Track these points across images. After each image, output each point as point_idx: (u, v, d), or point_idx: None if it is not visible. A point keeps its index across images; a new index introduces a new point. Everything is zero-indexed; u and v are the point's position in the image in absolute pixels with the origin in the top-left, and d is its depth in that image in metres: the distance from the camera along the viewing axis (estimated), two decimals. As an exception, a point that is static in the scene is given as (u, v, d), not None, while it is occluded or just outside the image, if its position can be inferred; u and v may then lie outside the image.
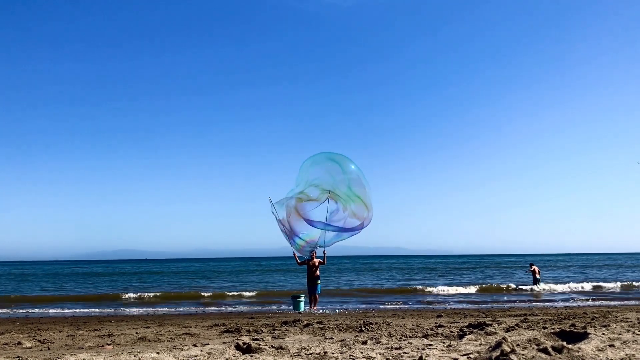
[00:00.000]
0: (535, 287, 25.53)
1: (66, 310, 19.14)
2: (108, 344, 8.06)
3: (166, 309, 18.93)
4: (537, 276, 26.18)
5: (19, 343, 8.46)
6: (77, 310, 18.99)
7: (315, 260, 16.39)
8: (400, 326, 9.25)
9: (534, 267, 26.72)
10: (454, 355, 5.34)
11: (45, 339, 8.96)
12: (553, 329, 7.17)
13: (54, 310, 19.25)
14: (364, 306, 18.63)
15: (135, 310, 18.59)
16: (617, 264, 67.87)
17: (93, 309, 19.40)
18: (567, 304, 18.76)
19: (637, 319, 9.13)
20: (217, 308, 19.22)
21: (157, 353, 5.99)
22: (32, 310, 19.21)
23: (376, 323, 9.72)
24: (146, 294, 25.63)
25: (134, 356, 5.81)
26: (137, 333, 9.66)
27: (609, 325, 7.69)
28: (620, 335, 6.05)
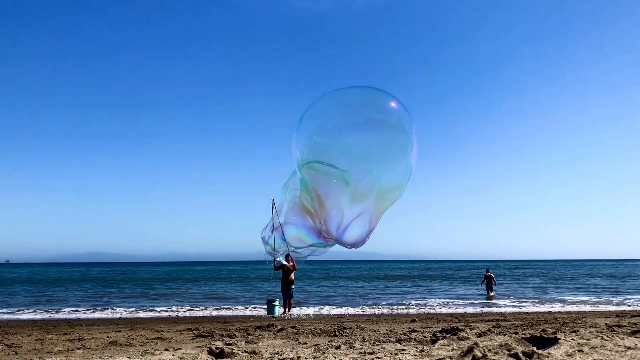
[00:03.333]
0: (490, 293, 26.20)
1: (36, 314, 18.77)
2: (78, 348, 7.93)
3: (140, 313, 18.70)
4: (492, 283, 26.72)
5: (-14, 347, 8.27)
6: (47, 314, 18.64)
7: (290, 264, 16.34)
8: (374, 331, 9.27)
9: (489, 273, 27.17)
10: (427, 360, 5.37)
11: (12, 343, 8.76)
12: (524, 334, 7.27)
13: (26, 315, 18.86)
14: (338, 311, 18.64)
15: (107, 314, 18.32)
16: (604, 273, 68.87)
17: (63, 311, 19.07)
18: (538, 309, 19.03)
19: (606, 324, 9.30)
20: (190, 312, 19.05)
21: (128, 357, 5.91)
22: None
23: (350, 328, 9.73)
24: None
25: (104, 361, 5.73)
26: (108, 337, 9.52)
27: (578, 331, 7.82)
28: (589, 341, 6.16)
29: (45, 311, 19.81)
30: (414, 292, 30.14)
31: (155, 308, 20.91)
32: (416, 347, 6.41)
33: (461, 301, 23.54)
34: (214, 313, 18.39)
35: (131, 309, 20.40)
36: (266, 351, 6.36)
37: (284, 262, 16.02)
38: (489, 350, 5.34)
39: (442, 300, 24.19)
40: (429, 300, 24.20)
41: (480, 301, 23.57)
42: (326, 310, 18.91)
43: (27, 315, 18.54)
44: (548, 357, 4.96)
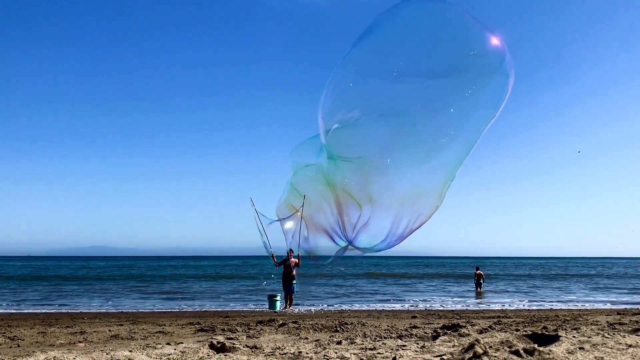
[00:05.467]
0: (479, 289, 26.72)
1: (38, 308, 18.84)
2: (80, 342, 7.95)
3: (140, 308, 18.75)
4: (481, 281, 27.15)
5: (-12, 340, 8.30)
6: (49, 308, 18.71)
7: (292, 260, 16.31)
8: (375, 327, 9.29)
9: (479, 271, 27.52)
10: (427, 356, 5.38)
11: (15, 336, 8.79)
12: (525, 331, 7.27)
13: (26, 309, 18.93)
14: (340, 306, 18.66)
15: (108, 308, 18.38)
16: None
17: (65, 306, 19.13)
18: (540, 306, 19.03)
19: (607, 322, 9.30)
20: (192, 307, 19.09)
21: (130, 351, 5.93)
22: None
23: (351, 323, 9.75)
24: None
25: (106, 354, 5.74)
26: (110, 331, 9.55)
27: (579, 328, 7.82)
28: (590, 338, 6.16)
29: (48, 304, 19.88)
30: (415, 288, 30.15)
31: (156, 302, 20.98)
32: (417, 343, 6.41)
33: (462, 298, 23.56)
34: (216, 308, 18.42)
35: (133, 303, 20.46)
36: (267, 346, 6.37)
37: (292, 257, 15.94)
38: (490, 347, 5.34)
39: (443, 296, 24.21)
40: (430, 296, 24.21)
41: (481, 298, 23.59)
42: (327, 305, 18.94)
43: (30, 308, 18.61)
44: (549, 354, 4.96)
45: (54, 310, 17.46)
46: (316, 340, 7.05)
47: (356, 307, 18.64)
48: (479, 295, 25.32)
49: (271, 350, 5.99)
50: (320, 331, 8.69)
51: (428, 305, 19.39)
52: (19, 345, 7.72)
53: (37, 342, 8.17)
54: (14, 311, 17.23)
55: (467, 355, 4.99)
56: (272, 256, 14.30)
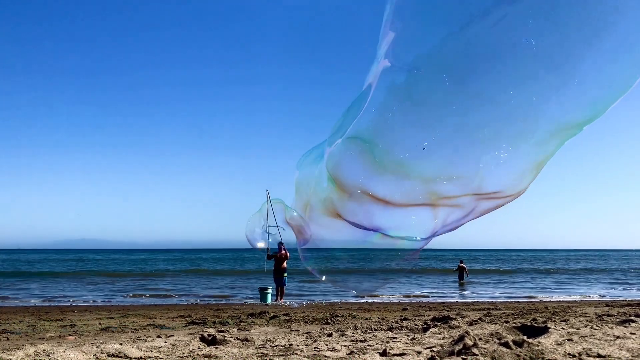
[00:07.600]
0: (462, 281, 27.16)
1: (28, 301, 18.75)
2: (70, 335, 7.93)
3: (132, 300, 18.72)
4: (464, 274, 27.53)
5: (-23, 333, 8.25)
6: (39, 301, 18.62)
7: (283, 252, 16.33)
8: (366, 319, 9.33)
9: (462, 264, 27.84)
10: (418, 348, 5.40)
11: (4, 329, 8.75)
12: (515, 323, 7.33)
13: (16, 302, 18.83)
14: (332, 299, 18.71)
15: (99, 301, 18.32)
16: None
17: (55, 299, 19.05)
18: (529, 299, 19.18)
19: (595, 314, 9.39)
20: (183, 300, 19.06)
21: (120, 344, 5.91)
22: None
23: (342, 316, 9.79)
24: None
25: (97, 347, 5.72)
26: (100, 323, 9.52)
27: (568, 320, 7.89)
28: (579, 330, 6.22)
29: (37, 297, 19.78)
30: (405, 280, 30.26)
31: (147, 295, 20.93)
32: (407, 336, 6.44)
33: (452, 290, 23.69)
34: (207, 300, 18.41)
35: (123, 296, 20.41)
36: (258, 338, 6.38)
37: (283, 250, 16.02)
38: (480, 338, 5.37)
39: (434, 289, 24.31)
40: (420, 288, 24.31)
41: (471, 291, 23.72)
42: (319, 298, 18.97)
43: (19, 301, 18.51)
44: (538, 345, 5.00)
45: (44, 303, 17.38)
46: (307, 333, 7.06)
47: (347, 299, 18.70)
48: (461, 285, 25.74)
49: (262, 343, 6.00)
50: (311, 323, 8.71)
51: (419, 298, 19.49)
52: (8, 339, 7.68)
53: (26, 335, 8.13)
54: (3, 304, 17.13)
55: (457, 347, 5.01)
56: (267, 248, 14.28)
